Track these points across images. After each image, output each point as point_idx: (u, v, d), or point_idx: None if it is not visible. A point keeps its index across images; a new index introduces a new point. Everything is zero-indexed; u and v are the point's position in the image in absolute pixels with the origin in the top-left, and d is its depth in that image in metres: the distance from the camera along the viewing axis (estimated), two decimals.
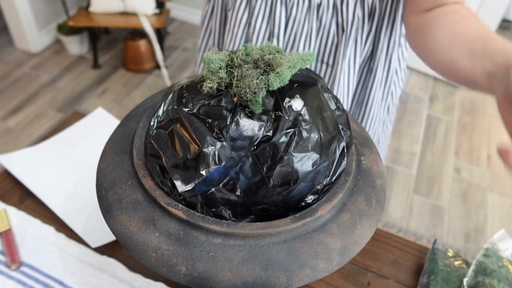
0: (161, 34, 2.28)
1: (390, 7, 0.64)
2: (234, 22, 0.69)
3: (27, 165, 0.69)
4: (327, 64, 0.69)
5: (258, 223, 0.34)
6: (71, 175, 0.68)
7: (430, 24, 0.53)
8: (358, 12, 0.62)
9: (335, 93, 0.69)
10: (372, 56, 0.70)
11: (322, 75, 0.70)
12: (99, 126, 0.77)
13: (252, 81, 0.33)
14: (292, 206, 0.36)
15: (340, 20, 0.64)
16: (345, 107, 0.70)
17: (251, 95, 0.33)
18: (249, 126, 0.34)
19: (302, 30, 0.65)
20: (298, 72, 0.38)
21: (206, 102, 0.35)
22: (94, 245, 0.57)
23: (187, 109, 0.36)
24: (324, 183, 0.36)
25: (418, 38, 0.56)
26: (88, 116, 0.79)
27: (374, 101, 0.74)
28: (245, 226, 0.33)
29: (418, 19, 0.56)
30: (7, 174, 0.67)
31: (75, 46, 2.44)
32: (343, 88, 0.70)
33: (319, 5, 0.62)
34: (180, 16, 2.83)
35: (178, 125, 0.35)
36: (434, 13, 0.53)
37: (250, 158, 0.34)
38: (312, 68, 0.69)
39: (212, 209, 0.35)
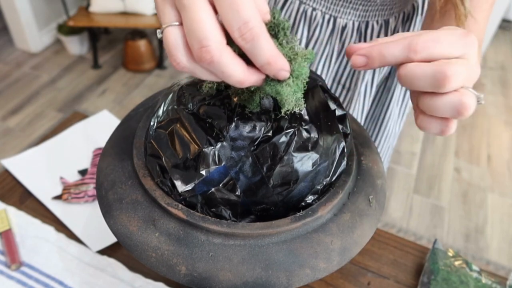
0: None
1: (412, 30, 0.64)
2: None
3: (28, 165, 0.69)
4: (344, 86, 0.68)
5: (258, 223, 0.34)
6: (70, 176, 0.68)
7: None
8: (382, 37, 0.62)
9: (350, 112, 0.69)
10: (390, 75, 0.70)
11: (338, 96, 0.70)
12: (102, 127, 0.77)
13: None
14: (292, 206, 0.36)
15: None
16: None
17: (248, 94, 0.33)
18: (249, 126, 0.34)
19: (323, 51, 0.64)
20: None
21: (206, 102, 0.35)
22: (95, 249, 0.57)
23: (187, 109, 0.36)
24: (324, 183, 0.36)
25: None
26: (92, 117, 0.79)
27: (390, 118, 0.74)
28: (245, 226, 0.33)
29: None
30: (7, 174, 0.67)
31: (75, 46, 2.44)
32: (358, 109, 0.70)
33: (343, 28, 0.61)
34: None
35: (178, 125, 0.35)
36: None
37: (250, 158, 0.34)
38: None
39: (212, 209, 0.35)
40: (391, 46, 0.29)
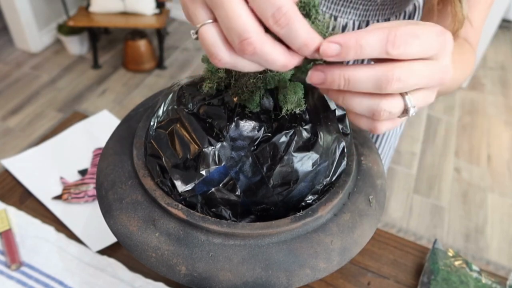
0: (161, 34, 2.28)
1: None
2: None
3: (28, 165, 0.69)
4: None
5: (258, 223, 0.34)
6: (70, 176, 0.68)
7: None
8: None
9: None
10: None
11: None
12: (102, 127, 0.77)
13: (249, 80, 0.33)
14: (292, 206, 0.36)
15: None
16: None
17: (248, 94, 0.33)
18: (249, 126, 0.34)
19: None
20: None
21: (206, 102, 0.35)
22: (95, 249, 0.57)
23: (187, 109, 0.36)
24: (324, 183, 0.36)
25: None
26: (92, 117, 0.79)
27: None
28: (245, 226, 0.33)
29: None
30: (7, 174, 0.67)
31: (75, 46, 2.44)
32: None
33: (344, 27, 0.60)
34: (180, 16, 2.83)
35: (178, 125, 0.35)
36: None
37: (250, 158, 0.34)
38: None
39: (212, 209, 0.35)
40: (369, 35, 0.26)
